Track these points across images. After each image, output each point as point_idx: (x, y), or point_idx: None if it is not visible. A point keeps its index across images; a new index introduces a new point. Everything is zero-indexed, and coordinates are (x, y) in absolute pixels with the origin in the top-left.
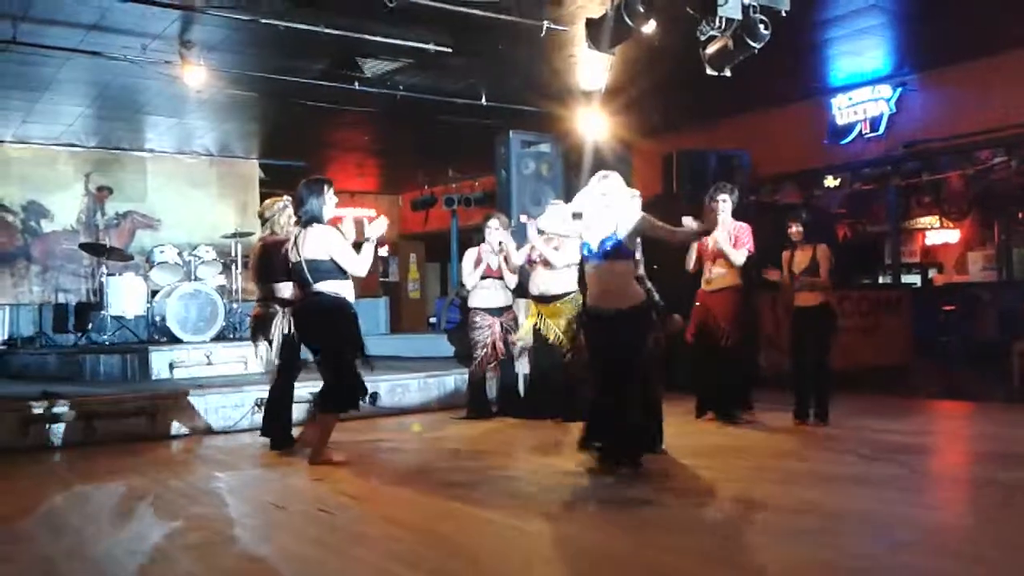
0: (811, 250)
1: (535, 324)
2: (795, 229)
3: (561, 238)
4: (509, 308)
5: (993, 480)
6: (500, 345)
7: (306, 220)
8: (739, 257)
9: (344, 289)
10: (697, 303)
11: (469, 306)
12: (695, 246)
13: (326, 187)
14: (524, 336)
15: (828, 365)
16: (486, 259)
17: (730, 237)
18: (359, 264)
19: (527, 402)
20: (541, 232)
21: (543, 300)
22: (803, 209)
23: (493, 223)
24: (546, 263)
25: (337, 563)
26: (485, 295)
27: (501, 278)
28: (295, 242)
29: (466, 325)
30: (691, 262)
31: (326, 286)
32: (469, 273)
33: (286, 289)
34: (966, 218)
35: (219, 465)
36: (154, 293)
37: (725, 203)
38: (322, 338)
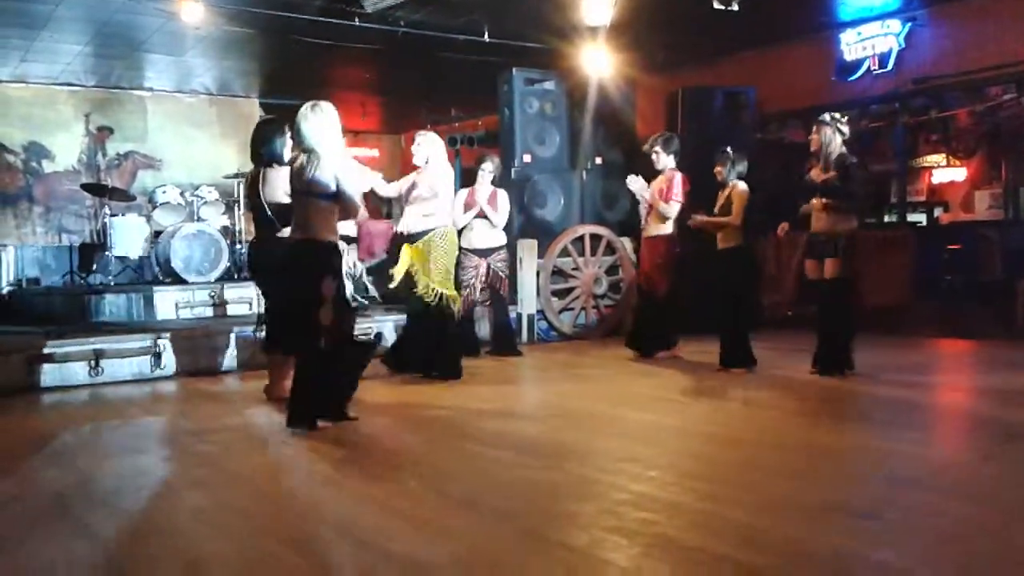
0: (729, 190)
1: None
2: (717, 169)
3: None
4: (498, 249)
5: (995, 418)
6: (480, 286)
7: (267, 161)
8: (669, 210)
9: None
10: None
11: (460, 247)
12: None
13: (287, 128)
14: (396, 281)
15: (733, 309)
16: (479, 201)
17: (661, 189)
18: None
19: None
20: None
21: (409, 240)
22: (728, 149)
23: (487, 166)
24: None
25: (345, 499)
26: (471, 236)
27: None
28: (253, 181)
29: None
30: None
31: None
32: (460, 214)
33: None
34: (974, 156)
35: (225, 404)
36: (157, 234)
37: (657, 155)
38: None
